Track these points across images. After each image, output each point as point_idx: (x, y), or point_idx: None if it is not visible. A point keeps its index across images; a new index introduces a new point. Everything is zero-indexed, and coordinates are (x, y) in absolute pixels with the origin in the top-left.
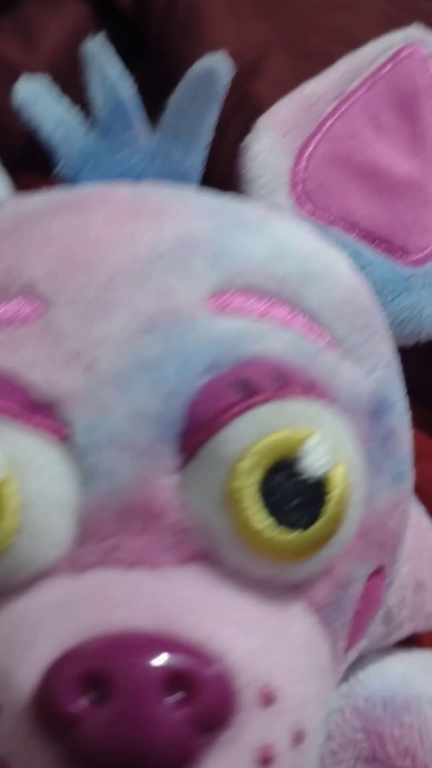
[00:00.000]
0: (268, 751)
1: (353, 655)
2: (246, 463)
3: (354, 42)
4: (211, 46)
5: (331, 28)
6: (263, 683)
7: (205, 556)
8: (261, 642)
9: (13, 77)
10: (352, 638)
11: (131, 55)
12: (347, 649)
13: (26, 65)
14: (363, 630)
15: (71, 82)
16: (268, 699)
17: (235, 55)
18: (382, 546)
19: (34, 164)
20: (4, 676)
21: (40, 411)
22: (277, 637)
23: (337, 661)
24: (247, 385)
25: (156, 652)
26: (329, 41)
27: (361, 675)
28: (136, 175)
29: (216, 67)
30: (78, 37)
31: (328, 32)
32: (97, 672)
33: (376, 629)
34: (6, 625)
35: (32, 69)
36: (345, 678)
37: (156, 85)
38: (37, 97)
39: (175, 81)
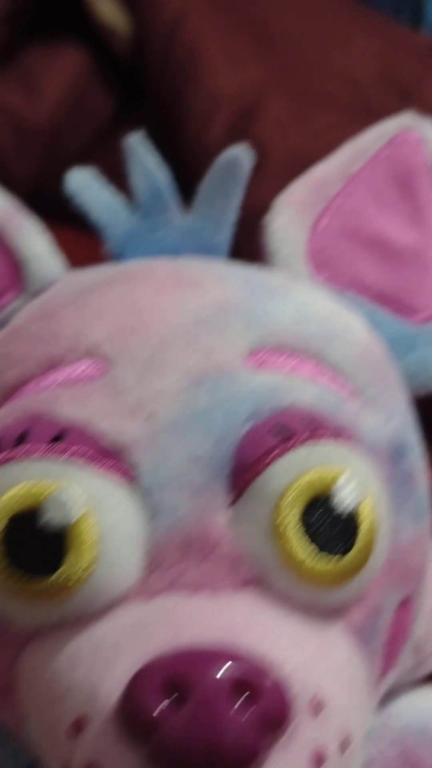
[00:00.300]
0: (320, 753)
1: (386, 683)
2: (287, 499)
3: (350, 80)
4: (209, 91)
5: (327, 67)
6: (313, 692)
7: (257, 582)
8: (309, 657)
9: (17, 125)
10: (385, 666)
11: (129, 100)
12: (380, 675)
13: (28, 114)
14: (394, 658)
15: (73, 129)
16: (318, 707)
17: (234, 98)
18: (406, 578)
19: (39, 209)
20: (90, 690)
21: (109, 456)
22: (322, 654)
23: (372, 686)
24: (285, 430)
25: (223, 662)
26: (326, 80)
27: (394, 708)
28: (173, 251)
29: (240, 156)
30: (78, 85)
31: (324, 72)
32: (174, 679)
33: (405, 661)
34: (88, 646)
35: (35, 117)
36: (378, 710)
37: (154, 130)
38: (85, 185)
39: (173, 125)
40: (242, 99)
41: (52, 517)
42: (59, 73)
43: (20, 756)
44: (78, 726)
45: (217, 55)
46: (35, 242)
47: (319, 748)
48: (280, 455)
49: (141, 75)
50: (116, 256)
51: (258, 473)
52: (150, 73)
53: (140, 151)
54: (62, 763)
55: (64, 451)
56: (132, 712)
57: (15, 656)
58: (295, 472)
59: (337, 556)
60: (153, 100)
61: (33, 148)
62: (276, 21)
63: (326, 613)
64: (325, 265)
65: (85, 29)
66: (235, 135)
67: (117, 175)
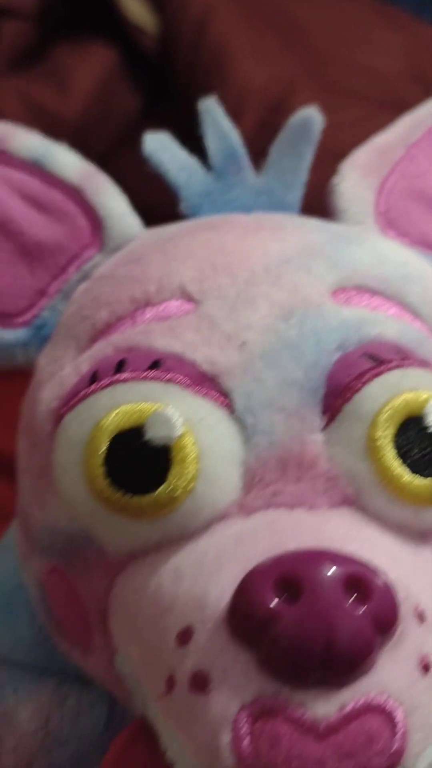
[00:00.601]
0: (426, 660)
1: None
2: (383, 418)
3: (376, 74)
4: (238, 85)
5: (352, 61)
6: (416, 602)
7: (352, 501)
8: (408, 570)
9: (47, 120)
10: None
11: (158, 96)
12: None
13: (59, 109)
14: None
15: (102, 124)
16: (421, 616)
17: (262, 92)
18: None
19: None
20: (196, 600)
21: (205, 381)
22: (419, 570)
23: None
24: (376, 357)
25: (334, 560)
26: (351, 74)
27: None
28: (246, 209)
29: (311, 117)
30: (108, 82)
31: (349, 66)
32: (286, 577)
33: None
34: (191, 561)
35: (66, 113)
36: None
37: (183, 126)
38: (162, 148)
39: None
40: (271, 93)
41: (155, 432)
42: (88, 70)
43: (98, 705)
44: (184, 636)
45: (245, 51)
46: (114, 201)
47: (426, 655)
48: (374, 377)
49: (168, 71)
50: (191, 215)
51: (352, 394)
52: (178, 69)
53: (214, 114)
54: (166, 678)
55: (162, 376)
56: (245, 611)
57: (110, 584)
58: (388, 393)
59: (430, 475)
60: (181, 96)
61: (63, 142)
62: (301, 17)
63: (418, 535)
64: (392, 224)
65: (114, 27)
66: (264, 128)
67: (144, 169)
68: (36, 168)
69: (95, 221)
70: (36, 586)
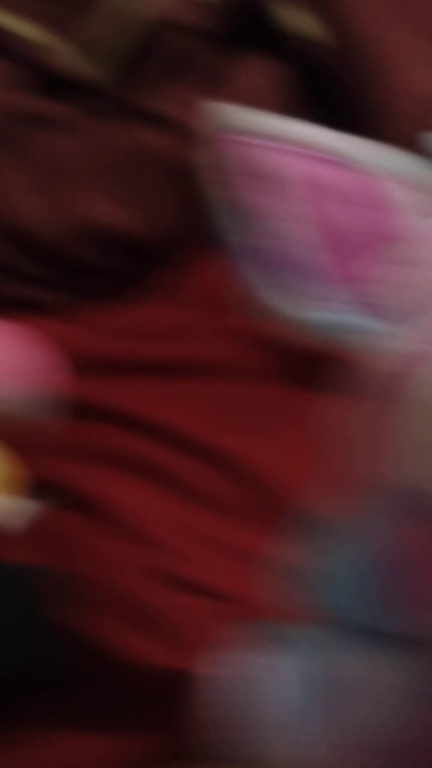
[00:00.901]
0: None
1: None
2: None
3: None
4: (399, 91)
5: None
6: None
7: None
8: None
9: None
10: None
11: (319, 102)
12: None
13: None
14: None
15: None
16: None
17: (426, 97)
18: None
19: None
20: None
21: None
22: None
23: None
24: None
25: None
26: None
27: None
28: None
29: None
30: (267, 89)
31: None
32: None
33: None
34: None
35: None
36: None
37: (341, 129)
38: None
39: (359, 125)
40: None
41: None
42: (247, 79)
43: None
44: None
45: (407, 57)
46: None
47: None
48: None
49: (325, 78)
50: None
51: None
52: (336, 76)
53: None
54: None
55: None
56: None
57: None
58: None
59: None
60: (339, 102)
61: None
62: None
63: None
64: None
65: (271, 38)
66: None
67: None
68: (340, 161)
69: (400, 209)
70: (381, 550)
